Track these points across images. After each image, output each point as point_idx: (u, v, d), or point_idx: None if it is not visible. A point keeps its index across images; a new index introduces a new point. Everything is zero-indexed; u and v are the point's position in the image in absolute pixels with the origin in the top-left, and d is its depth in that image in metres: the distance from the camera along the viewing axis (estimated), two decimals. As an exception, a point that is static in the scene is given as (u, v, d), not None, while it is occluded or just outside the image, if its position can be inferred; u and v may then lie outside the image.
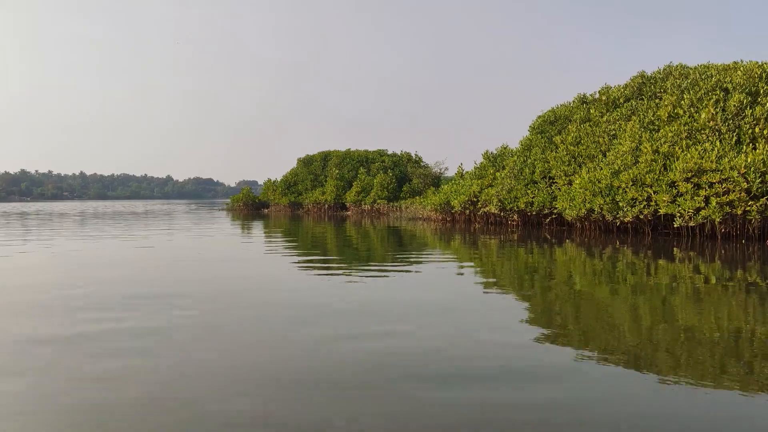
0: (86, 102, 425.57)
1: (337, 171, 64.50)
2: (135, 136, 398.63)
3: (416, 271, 14.16)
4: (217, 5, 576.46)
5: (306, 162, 72.83)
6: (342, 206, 63.62)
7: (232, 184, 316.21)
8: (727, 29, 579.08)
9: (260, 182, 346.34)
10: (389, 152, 67.23)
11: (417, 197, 51.79)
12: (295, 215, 58.48)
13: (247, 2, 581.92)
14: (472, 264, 15.67)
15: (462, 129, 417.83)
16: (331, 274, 13.71)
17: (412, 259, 16.77)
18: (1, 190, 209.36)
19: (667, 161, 22.92)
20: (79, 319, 8.60)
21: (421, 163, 62.76)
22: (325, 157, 71.29)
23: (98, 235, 27.60)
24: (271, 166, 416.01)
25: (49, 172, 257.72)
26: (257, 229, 34.42)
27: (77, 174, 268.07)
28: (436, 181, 57.08)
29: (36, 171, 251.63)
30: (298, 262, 16.21)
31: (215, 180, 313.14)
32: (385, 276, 13.27)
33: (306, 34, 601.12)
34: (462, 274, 13.72)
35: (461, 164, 41.30)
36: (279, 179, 74.90)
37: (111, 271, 14.16)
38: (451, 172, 60.54)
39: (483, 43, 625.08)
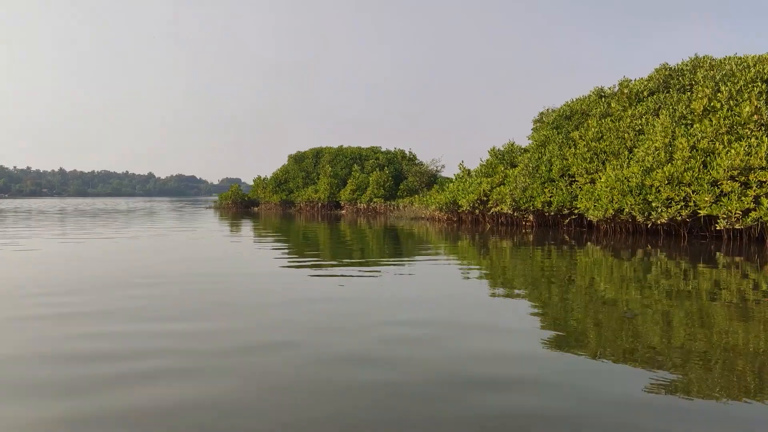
0: (66, 98, 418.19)
1: (330, 168, 62.04)
2: (116, 132, 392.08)
3: (431, 273, 12.15)
4: (205, 2, 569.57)
5: (297, 159, 70.39)
6: (336, 205, 61.55)
7: (215, 182, 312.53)
8: (727, 24, 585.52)
9: (244, 180, 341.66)
10: (383, 149, 65.30)
11: (416, 196, 49.72)
12: (287, 214, 56.17)
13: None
14: (487, 268, 13.68)
15: (456, 128, 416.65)
16: (332, 275, 11.64)
17: (417, 260, 14.75)
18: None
19: (707, 158, 21.16)
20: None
21: (416, 161, 60.95)
22: (317, 154, 68.91)
23: (82, 235, 25.19)
24: (255, 164, 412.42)
25: (28, 168, 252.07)
26: (246, 228, 32.37)
27: (56, 170, 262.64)
28: (432, 179, 55.39)
29: (14, 167, 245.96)
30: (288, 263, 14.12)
31: (198, 177, 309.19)
32: (406, 276, 11.23)
33: (297, 31, 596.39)
34: (482, 278, 11.72)
35: (462, 161, 39.45)
36: (269, 177, 72.40)
37: (118, 290, 11.98)
38: (448, 171, 58.97)
39: (479, 43, 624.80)
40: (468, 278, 12.70)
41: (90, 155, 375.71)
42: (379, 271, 13.70)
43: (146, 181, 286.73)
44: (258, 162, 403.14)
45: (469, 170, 37.44)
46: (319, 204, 62.09)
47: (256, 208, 69.87)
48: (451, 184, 37.06)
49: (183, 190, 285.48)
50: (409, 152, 63.08)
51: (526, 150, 35.25)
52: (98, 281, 11.83)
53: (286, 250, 19.25)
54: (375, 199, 54.20)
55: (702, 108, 22.84)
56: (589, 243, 21.13)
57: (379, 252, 18.80)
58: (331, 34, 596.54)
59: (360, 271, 13.81)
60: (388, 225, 34.35)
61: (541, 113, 39.66)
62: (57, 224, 34.77)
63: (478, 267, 14.76)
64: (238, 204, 71.98)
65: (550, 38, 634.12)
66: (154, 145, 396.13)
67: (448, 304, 9.58)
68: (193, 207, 78.81)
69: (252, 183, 76.65)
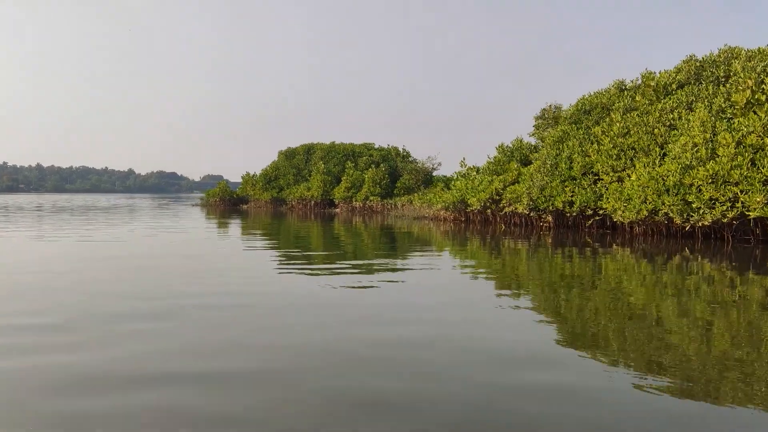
0: (44, 93, 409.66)
1: (323, 165, 59.52)
2: (95, 128, 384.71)
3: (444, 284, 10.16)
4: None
5: (288, 155, 67.53)
6: (330, 203, 59.12)
7: (197, 179, 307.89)
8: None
9: (226, 177, 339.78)
10: (376, 146, 63.16)
11: (414, 194, 47.62)
12: (278, 212, 53.78)
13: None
14: (513, 274, 11.73)
15: (450, 126, 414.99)
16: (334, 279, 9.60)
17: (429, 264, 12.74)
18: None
19: (756, 155, 19.39)
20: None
21: (409, 158, 58.96)
22: (309, 150, 66.26)
23: (64, 234, 22.73)
24: (238, 161, 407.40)
25: (4, 163, 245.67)
26: (235, 227, 30.45)
27: (33, 166, 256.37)
28: (428, 177, 53.31)
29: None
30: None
31: (179, 174, 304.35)
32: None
33: (284, 27, 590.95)
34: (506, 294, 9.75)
35: (464, 158, 37.47)
36: (258, 173, 69.49)
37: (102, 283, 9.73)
38: (444, 169, 57.57)
39: (473, 44, 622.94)
40: (492, 287, 10.68)
41: (68, 151, 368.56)
42: (393, 279, 11.69)
43: (126, 177, 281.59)
44: (241, 159, 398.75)
45: (478, 168, 35.44)
46: (312, 202, 59.69)
47: (245, 206, 67.07)
48: (458, 182, 35.05)
49: (164, 186, 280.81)
50: (403, 149, 61.06)
51: (536, 147, 33.43)
52: (89, 306, 8.99)
53: (286, 256, 17.14)
54: (371, 198, 52.16)
55: (745, 101, 21.07)
56: (614, 246, 19.54)
57: (386, 252, 16.72)
58: (320, 28, 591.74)
59: (374, 278, 11.95)
60: (388, 224, 32.38)
61: (544, 110, 37.90)
62: (35, 222, 32.15)
63: (500, 274, 12.76)
64: (226, 201, 69.06)
65: (547, 35, 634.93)
66: (134, 140, 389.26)
67: (479, 324, 7.53)
68: (177, 204, 76.46)
69: (236, 180, 74.68)
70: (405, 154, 60.35)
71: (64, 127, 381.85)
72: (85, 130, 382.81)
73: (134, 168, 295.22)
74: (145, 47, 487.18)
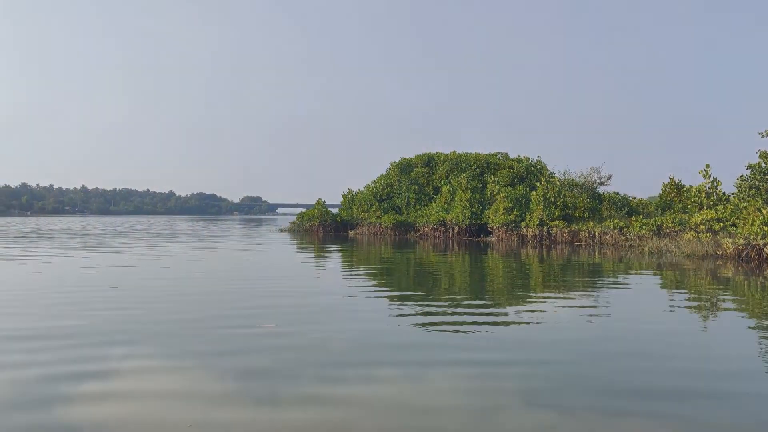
0: (88, 116, 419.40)
1: (465, 181, 47.98)
2: (137, 150, 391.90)
3: None
4: (231, 18, 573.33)
5: (403, 168, 55.67)
6: (479, 229, 46.94)
7: (236, 200, 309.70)
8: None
9: (265, 198, 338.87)
10: (512, 156, 52.67)
11: (638, 217, 37.26)
12: (403, 241, 42.73)
13: (256, 15, 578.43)
14: None
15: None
16: None
17: None
18: (0, 203, 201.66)
19: None
20: None
21: (549, 172, 47.66)
22: (429, 161, 55.11)
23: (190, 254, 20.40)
24: (277, 182, 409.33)
25: (50, 185, 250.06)
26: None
27: (79, 188, 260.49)
28: (596, 196, 43.09)
29: (37, 184, 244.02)
30: None
31: (219, 195, 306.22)
32: None
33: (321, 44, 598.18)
34: None
35: (707, 165, 32.71)
36: (362, 190, 58.37)
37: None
38: (617, 184, 47.30)
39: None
40: None
41: (111, 173, 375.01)
42: None
43: (167, 198, 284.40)
44: (280, 180, 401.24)
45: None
46: (455, 228, 47.30)
47: (351, 232, 55.47)
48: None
49: (204, 208, 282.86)
50: (537, 160, 50.62)
51: None
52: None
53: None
54: (551, 223, 40.64)
55: None
56: None
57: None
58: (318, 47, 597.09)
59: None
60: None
61: None
62: (159, 244, 29.98)
63: None
64: (327, 226, 57.59)
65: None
66: (174, 162, 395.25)
67: None
68: (256, 228, 69.66)
69: (276, 201, 66.86)
70: (541, 166, 50.56)
71: (108, 149, 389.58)
72: (128, 152, 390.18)
73: (174, 190, 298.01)
74: (186, 71, 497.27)
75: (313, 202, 61.86)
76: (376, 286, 17.00)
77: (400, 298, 14.48)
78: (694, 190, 35.91)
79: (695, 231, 29.35)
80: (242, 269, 20.94)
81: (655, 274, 20.69)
